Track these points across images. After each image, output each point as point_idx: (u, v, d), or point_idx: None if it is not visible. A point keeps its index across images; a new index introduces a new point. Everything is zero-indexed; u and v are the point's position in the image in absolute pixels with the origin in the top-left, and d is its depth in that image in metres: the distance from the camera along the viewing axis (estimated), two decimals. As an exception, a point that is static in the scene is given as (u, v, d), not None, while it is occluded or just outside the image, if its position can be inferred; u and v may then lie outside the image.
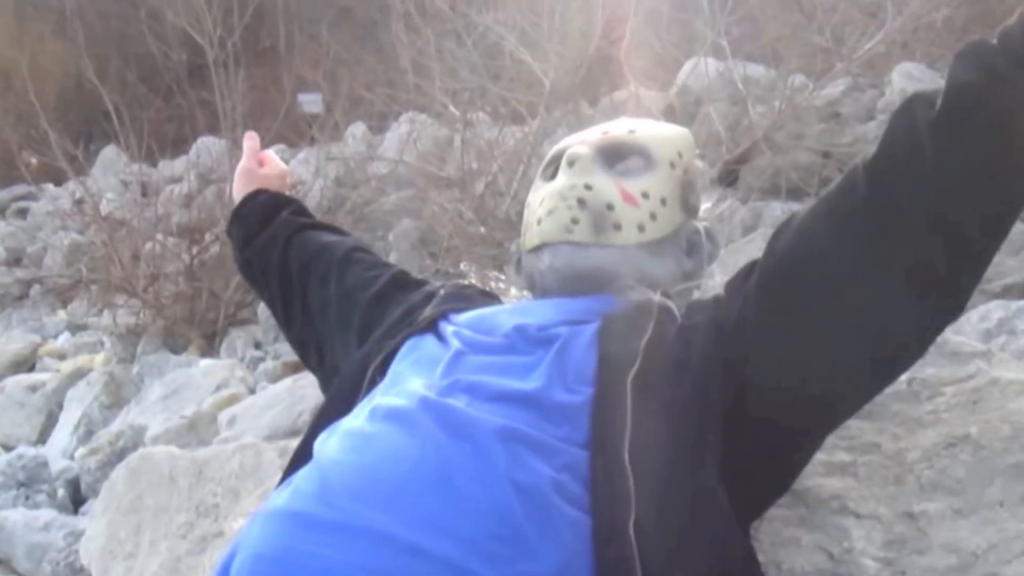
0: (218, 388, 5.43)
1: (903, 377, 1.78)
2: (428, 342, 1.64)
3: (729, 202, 5.93)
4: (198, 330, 7.24)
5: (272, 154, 2.42)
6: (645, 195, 1.74)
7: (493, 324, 1.61)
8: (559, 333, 1.54)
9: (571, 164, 1.76)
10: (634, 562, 1.25)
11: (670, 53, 7.31)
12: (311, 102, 10.99)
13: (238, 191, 2.29)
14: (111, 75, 12.14)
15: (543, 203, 1.76)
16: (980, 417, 1.70)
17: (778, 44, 7.17)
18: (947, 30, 7.58)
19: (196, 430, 5.09)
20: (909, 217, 1.36)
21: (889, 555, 1.60)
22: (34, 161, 9.10)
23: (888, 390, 1.73)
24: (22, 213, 14.37)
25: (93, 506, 3.89)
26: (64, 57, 14.29)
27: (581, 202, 1.71)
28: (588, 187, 1.72)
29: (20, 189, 14.33)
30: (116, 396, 6.39)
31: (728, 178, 6.55)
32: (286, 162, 9.34)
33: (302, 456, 1.54)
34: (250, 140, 2.37)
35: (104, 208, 8.82)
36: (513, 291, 2.00)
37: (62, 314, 9.59)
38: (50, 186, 12.86)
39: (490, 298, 1.91)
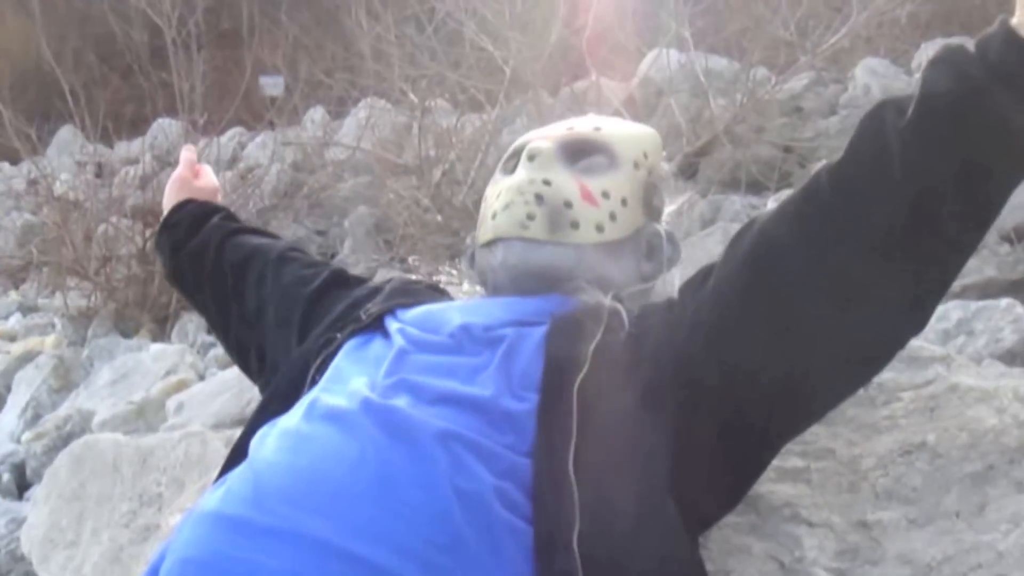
0: (167, 374, 5.35)
1: (860, 381, 1.74)
2: (372, 339, 1.58)
3: (688, 195, 5.89)
4: (150, 314, 7.12)
5: (208, 169, 2.41)
6: (605, 194, 1.69)
7: (439, 322, 1.56)
8: (506, 334, 1.49)
9: (531, 159, 1.71)
10: (578, 575, 1.21)
11: (633, 43, 7.26)
12: (273, 85, 10.91)
13: (168, 201, 2.26)
14: (71, 54, 12.01)
15: (500, 197, 1.71)
16: (938, 424, 1.66)
17: (741, 37, 7.13)
18: (911, 26, 7.60)
19: (144, 416, 5.01)
20: (873, 226, 1.32)
21: (842, 565, 1.56)
22: (-6, 138, 8.92)
23: (844, 395, 1.69)
24: (-26, 193, 14.19)
25: (35, 493, 3.81)
26: (24, 35, 14.08)
27: (538, 198, 1.66)
28: (547, 183, 1.67)
29: (-28, 169, 14.11)
30: (65, 380, 6.29)
31: (688, 171, 6.52)
32: (243, 145, 9.27)
33: (239, 453, 1.48)
34: (187, 152, 2.35)
35: (58, 189, 8.69)
36: (465, 285, 1.95)
37: (13, 295, 9.45)
38: (5, 165, 12.68)
39: (438, 293, 1.86)
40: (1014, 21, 1.28)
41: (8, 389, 6.56)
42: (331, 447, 1.31)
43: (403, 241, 5.56)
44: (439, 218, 6.00)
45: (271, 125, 9.91)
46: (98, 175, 8.98)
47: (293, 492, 1.26)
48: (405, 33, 7.14)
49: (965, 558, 1.51)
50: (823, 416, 1.53)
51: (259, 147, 10.28)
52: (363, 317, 1.64)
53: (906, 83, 6.76)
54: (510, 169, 1.77)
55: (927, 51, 6.84)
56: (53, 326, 7.80)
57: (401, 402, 1.37)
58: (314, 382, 1.54)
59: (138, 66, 9.72)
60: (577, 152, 1.73)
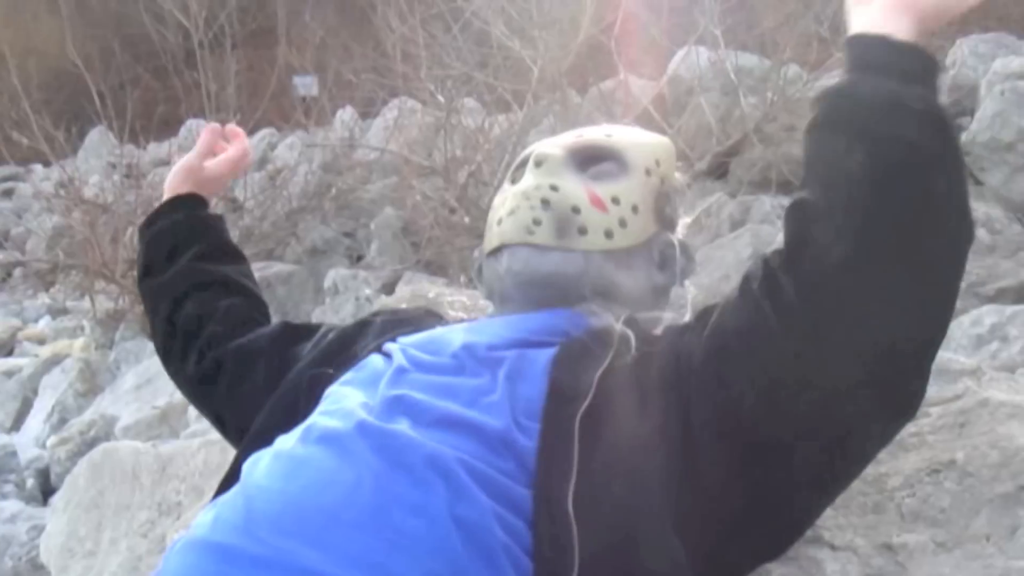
0: (191, 379, 5.31)
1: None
2: (371, 359, 1.51)
3: (717, 196, 5.82)
4: (176, 317, 7.11)
5: (239, 141, 2.23)
6: (615, 200, 1.63)
7: (442, 343, 1.50)
8: (508, 355, 1.42)
9: (539, 164, 1.65)
10: None
11: (662, 41, 7.18)
12: (306, 85, 10.90)
13: (169, 188, 2.11)
14: (105, 55, 12.05)
15: (506, 203, 1.64)
16: (967, 442, 1.58)
17: (773, 34, 7.03)
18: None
19: (167, 421, 5.00)
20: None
21: (865, 591, 1.48)
22: (25, 141, 8.96)
23: (870, 408, 1.61)
24: (9, 194, 14.28)
25: (54, 501, 3.79)
26: (58, 36, 14.16)
27: (545, 203, 1.60)
28: (554, 188, 1.61)
29: (8, 169, 14.22)
30: (91, 383, 6.30)
31: (718, 171, 6.44)
32: (273, 146, 9.23)
33: (232, 479, 1.42)
34: (208, 133, 2.18)
35: (88, 191, 8.71)
36: (466, 300, 1.89)
37: (44, 298, 9.50)
38: (38, 167, 12.76)
39: (435, 318, 1.78)
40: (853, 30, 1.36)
41: (35, 393, 6.57)
42: (325, 472, 1.25)
43: (429, 243, 5.51)
44: (466, 219, 5.94)
45: (304, 127, 9.92)
46: (128, 176, 9.00)
47: (285, 520, 1.20)
48: (431, 33, 7.08)
49: (995, 585, 1.43)
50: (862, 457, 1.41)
51: (289, 148, 10.26)
52: (359, 353, 1.58)
53: (940, 80, 6.64)
54: (518, 178, 1.71)
55: (963, 47, 6.72)
56: (82, 329, 7.82)
57: (400, 426, 1.30)
58: (306, 414, 1.47)
59: (172, 66, 9.73)
60: (587, 159, 1.67)
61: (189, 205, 2.08)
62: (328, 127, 9.92)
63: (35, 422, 6.15)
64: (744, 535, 1.31)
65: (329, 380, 1.52)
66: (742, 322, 1.32)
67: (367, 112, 10.35)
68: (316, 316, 5.04)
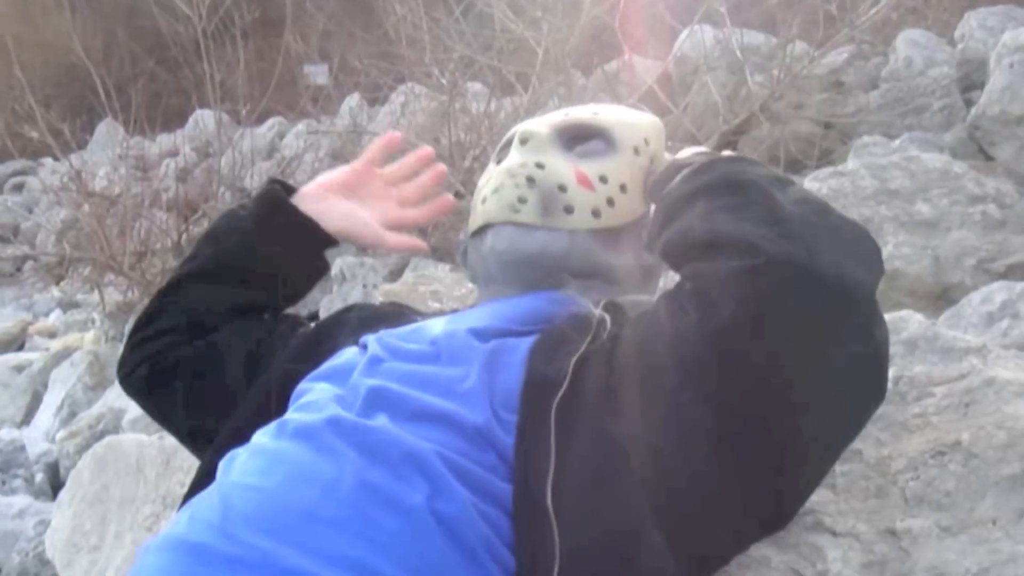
0: (198, 370, 5.29)
1: (889, 375, 1.62)
2: (346, 352, 1.48)
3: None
4: (185, 309, 7.11)
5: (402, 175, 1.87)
6: (603, 179, 1.60)
7: (421, 331, 1.47)
8: (489, 345, 1.38)
9: (524, 142, 1.62)
10: None
11: (667, 20, 7.12)
12: (317, 73, 10.87)
13: (303, 200, 1.77)
14: (115, 47, 12.06)
15: (490, 181, 1.61)
16: (973, 422, 1.53)
17: (779, 11, 6.96)
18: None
19: (174, 414, 4.96)
20: None
21: (868, 578, 1.43)
22: (35, 135, 8.96)
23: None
24: (19, 188, 14.31)
25: (60, 496, 3.78)
26: (69, 30, 14.19)
27: (530, 180, 1.58)
28: (540, 166, 1.59)
29: (18, 164, 14.24)
30: (100, 377, 6.27)
31: (725, 149, 6.36)
32: (282, 135, 9.20)
33: (207, 475, 1.39)
34: (374, 148, 1.85)
35: (98, 184, 8.72)
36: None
37: (54, 291, 9.51)
38: (48, 161, 12.76)
39: (412, 311, 1.74)
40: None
41: (45, 387, 6.57)
42: (302, 468, 1.22)
43: (436, 229, 5.46)
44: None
45: (314, 114, 9.90)
46: (139, 168, 9.00)
47: (261, 518, 1.17)
48: (433, 17, 7.03)
49: (1002, 570, 1.39)
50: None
51: (296, 137, 10.24)
52: (335, 348, 1.53)
53: (949, 54, 6.56)
54: (503, 158, 1.68)
55: (971, 20, 6.64)
56: (93, 322, 7.82)
57: (378, 420, 1.27)
58: (279, 410, 1.43)
59: (183, 57, 9.73)
60: (574, 137, 1.65)
61: (296, 234, 1.77)
62: (335, 115, 9.89)
63: (45, 416, 6.15)
64: (726, 522, 1.27)
65: (301, 376, 1.48)
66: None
67: (374, 99, 10.31)
68: (324, 305, 5.00)
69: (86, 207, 8.19)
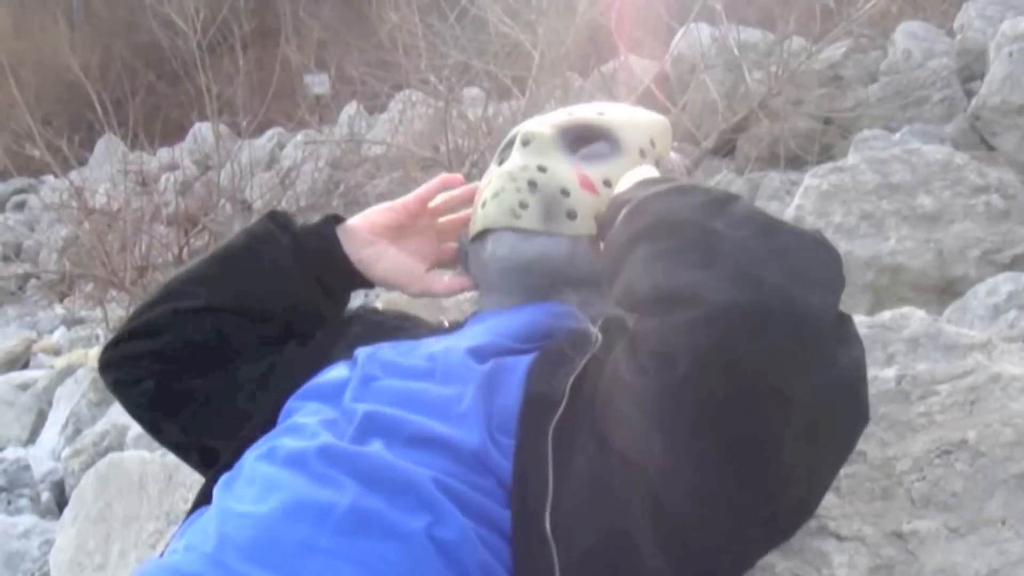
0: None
1: (891, 374, 1.59)
2: (337, 368, 1.44)
3: (724, 174, 5.74)
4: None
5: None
6: (607, 183, 1.55)
7: (417, 346, 1.42)
8: (487, 363, 1.34)
9: (526, 144, 1.57)
10: None
11: (662, 19, 7.10)
12: (318, 83, 10.87)
13: (352, 240, 1.65)
14: (116, 63, 12.06)
15: (490, 184, 1.57)
16: (979, 420, 1.50)
17: (775, 6, 6.94)
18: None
19: (178, 429, 4.93)
20: None
21: (875, 583, 1.40)
22: (37, 153, 8.96)
23: (874, 389, 1.54)
24: (21, 206, 14.32)
25: (63, 515, 3.76)
26: (69, 46, 14.23)
27: (532, 184, 1.53)
28: (542, 169, 1.54)
29: (20, 182, 14.26)
30: (104, 393, 6.23)
31: (725, 148, 6.36)
32: (282, 146, 9.15)
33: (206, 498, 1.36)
34: (430, 187, 1.72)
35: (98, 200, 8.71)
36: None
37: (58, 308, 9.50)
38: (50, 178, 12.78)
39: (412, 322, 1.68)
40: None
41: (50, 405, 6.53)
42: (298, 495, 1.18)
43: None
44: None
45: (313, 123, 9.90)
46: (140, 182, 8.99)
47: (256, 547, 1.14)
48: (427, 23, 7.01)
49: (1013, 571, 1.36)
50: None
51: (295, 147, 10.23)
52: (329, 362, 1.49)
53: (948, 45, 6.54)
54: (505, 159, 1.63)
55: (970, 10, 6.62)
56: (97, 338, 7.80)
57: (373, 447, 1.24)
58: (266, 428, 1.40)
59: (183, 71, 9.74)
60: (578, 139, 1.60)
61: (340, 282, 1.67)
62: (334, 124, 9.88)
63: (50, 434, 6.11)
64: (726, 539, 1.23)
65: (292, 391, 1.45)
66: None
67: (373, 107, 10.30)
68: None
69: (86, 224, 8.18)
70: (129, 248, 7.40)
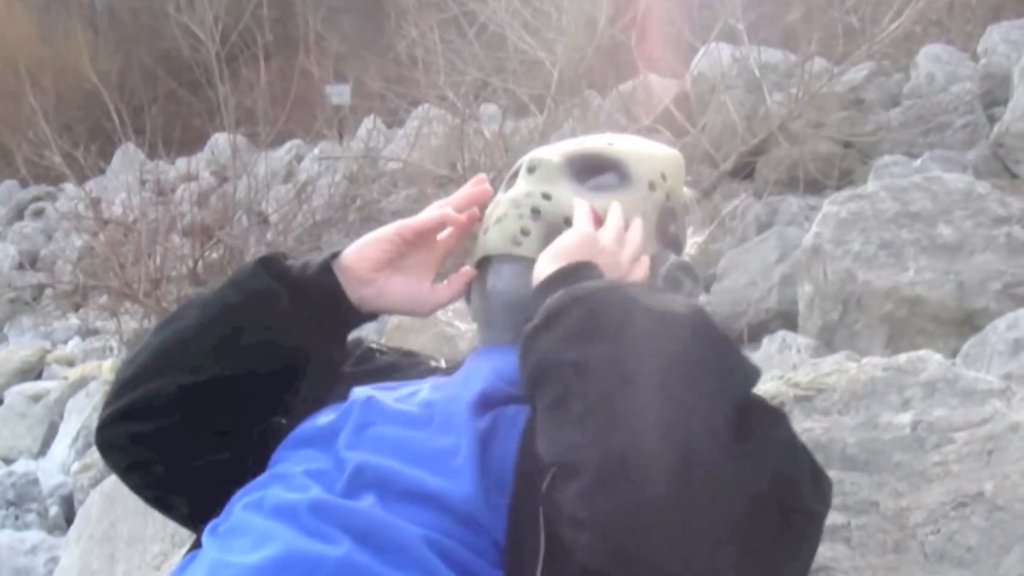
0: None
1: (906, 420, 1.53)
2: (329, 416, 1.39)
3: (743, 197, 5.70)
4: (202, 336, 7.10)
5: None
6: None
7: (415, 389, 1.38)
8: (485, 416, 1.29)
9: (531, 171, 1.51)
10: None
11: (683, 38, 7.08)
12: (339, 93, 10.86)
13: (350, 280, 1.52)
14: (139, 71, 12.10)
15: (495, 211, 1.50)
16: (996, 471, 1.45)
17: (797, 27, 6.92)
18: (983, 7, 7.34)
19: (187, 445, 4.92)
20: None
21: (886, 642, 1.36)
22: (57, 158, 8.96)
23: (888, 436, 1.49)
24: (39, 214, 14.35)
25: (68, 533, 3.74)
26: (92, 54, 14.27)
27: (535, 212, 1.46)
28: (546, 196, 1.47)
29: (39, 189, 14.29)
30: (115, 408, 6.23)
31: (744, 171, 6.32)
32: (300, 158, 9.11)
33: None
34: (430, 222, 1.54)
35: (116, 210, 8.72)
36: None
37: (73, 319, 9.50)
38: (69, 186, 12.81)
39: (414, 361, 1.62)
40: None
41: (62, 417, 6.52)
42: (289, 547, 1.14)
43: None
44: (487, 229, 5.86)
45: (329, 137, 9.88)
46: (157, 192, 8.99)
47: None
48: (446, 39, 7.00)
49: (1029, 634, 1.31)
50: None
51: (313, 161, 10.23)
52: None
53: (972, 69, 6.49)
54: (512, 186, 1.58)
55: (994, 34, 6.57)
56: (111, 349, 7.79)
57: (366, 502, 1.20)
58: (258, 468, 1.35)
59: (206, 79, 9.75)
60: (586, 168, 1.53)
61: (342, 326, 1.57)
62: (351, 138, 9.88)
63: (61, 447, 6.10)
64: None
65: (283, 431, 1.40)
66: None
67: (391, 121, 10.29)
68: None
69: (101, 236, 8.18)
70: (144, 260, 7.39)
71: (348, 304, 1.51)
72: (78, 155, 8.64)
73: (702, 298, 4.55)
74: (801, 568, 1.16)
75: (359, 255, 1.52)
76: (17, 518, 4.92)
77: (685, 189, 1.63)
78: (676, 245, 1.56)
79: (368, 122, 10.15)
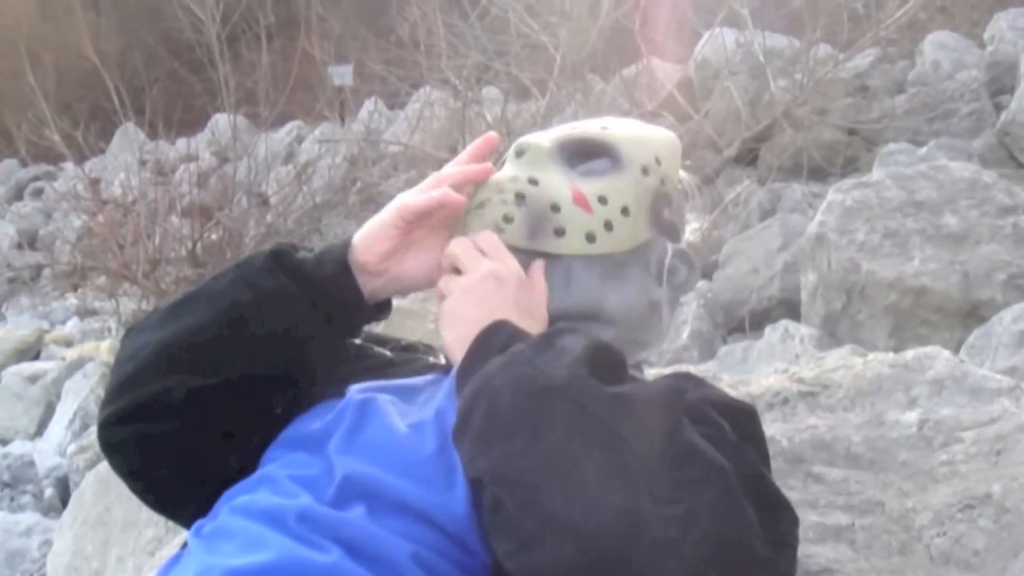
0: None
1: (913, 419, 1.50)
2: (323, 415, 1.35)
3: (746, 184, 5.67)
4: (201, 316, 7.09)
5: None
6: (602, 200, 1.40)
7: (414, 391, 1.35)
8: None
9: (520, 155, 1.42)
10: None
11: (687, 23, 7.04)
12: (342, 74, 10.82)
13: (363, 241, 1.43)
14: (141, 51, 12.06)
15: (478, 195, 1.41)
16: (1005, 472, 1.43)
17: (802, 12, 6.87)
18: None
19: (184, 428, 4.90)
20: None
21: (890, 646, 1.33)
22: (57, 137, 8.92)
23: (895, 434, 1.46)
24: (38, 194, 14.33)
25: (62, 517, 3.72)
26: (94, 33, 14.22)
27: (520, 197, 1.37)
28: (533, 181, 1.38)
29: (39, 168, 14.25)
30: (113, 389, 6.20)
31: (747, 157, 6.29)
32: (301, 140, 9.04)
33: None
34: (429, 204, 1.40)
35: (115, 190, 8.71)
36: None
37: (72, 299, 9.47)
38: (69, 165, 12.77)
39: (413, 355, 1.58)
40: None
41: (59, 398, 6.50)
42: (277, 552, 1.12)
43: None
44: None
45: (330, 119, 9.85)
46: (157, 172, 8.96)
47: None
48: (447, 21, 6.97)
49: (1037, 640, 1.28)
50: None
51: (314, 142, 10.20)
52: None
53: (978, 57, 6.45)
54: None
55: (1000, 22, 6.53)
56: (110, 330, 7.77)
57: (354, 512, 1.17)
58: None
59: (207, 58, 9.71)
60: (578, 153, 1.45)
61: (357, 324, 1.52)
62: (352, 119, 9.86)
63: (57, 428, 6.08)
64: None
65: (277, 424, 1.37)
66: None
67: (393, 103, 10.26)
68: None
69: (100, 216, 8.14)
70: (142, 241, 7.36)
71: (364, 303, 1.47)
72: (78, 135, 8.60)
73: (701, 285, 4.54)
74: None
75: (369, 249, 1.43)
76: (12, 500, 4.91)
77: (685, 175, 1.57)
78: (672, 231, 1.49)
79: (369, 104, 10.12)
